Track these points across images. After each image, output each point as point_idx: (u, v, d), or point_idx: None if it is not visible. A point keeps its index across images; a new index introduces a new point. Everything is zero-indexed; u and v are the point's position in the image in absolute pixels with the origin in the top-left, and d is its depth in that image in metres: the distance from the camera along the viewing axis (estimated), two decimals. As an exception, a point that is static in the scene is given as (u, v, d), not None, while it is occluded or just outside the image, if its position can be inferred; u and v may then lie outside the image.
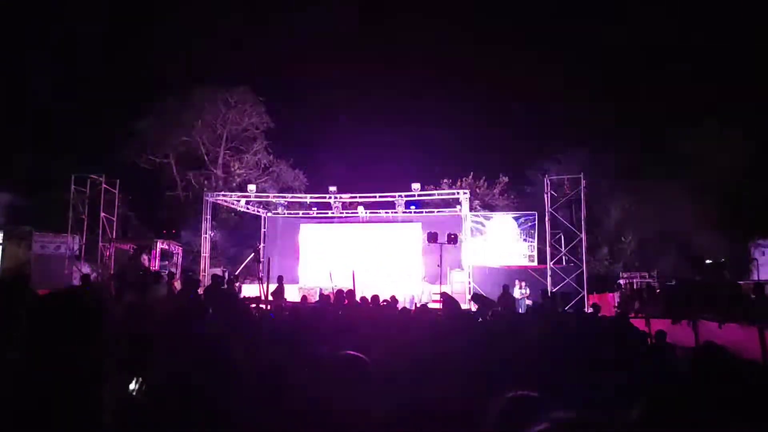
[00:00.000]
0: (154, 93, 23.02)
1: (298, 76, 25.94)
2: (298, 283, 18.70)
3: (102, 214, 16.60)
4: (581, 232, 15.30)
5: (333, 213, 19.21)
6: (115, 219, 17.10)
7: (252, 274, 18.06)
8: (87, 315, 1.76)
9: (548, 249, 15.78)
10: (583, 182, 15.48)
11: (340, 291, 12.16)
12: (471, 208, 17.21)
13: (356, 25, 25.27)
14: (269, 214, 20.06)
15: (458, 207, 17.46)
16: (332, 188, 18.39)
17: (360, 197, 18.58)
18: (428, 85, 24.89)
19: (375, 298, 9.21)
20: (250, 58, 25.85)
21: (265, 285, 15.60)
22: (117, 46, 23.27)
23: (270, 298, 14.41)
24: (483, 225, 16.98)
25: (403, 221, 19.74)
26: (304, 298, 14.10)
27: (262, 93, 24.90)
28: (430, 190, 17.86)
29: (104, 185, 16.65)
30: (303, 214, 20.19)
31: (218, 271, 17.06)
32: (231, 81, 24.69)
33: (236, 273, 17.47)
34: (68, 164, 17.46)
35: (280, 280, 15.35)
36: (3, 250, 15.73)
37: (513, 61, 23.52)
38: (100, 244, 16.65)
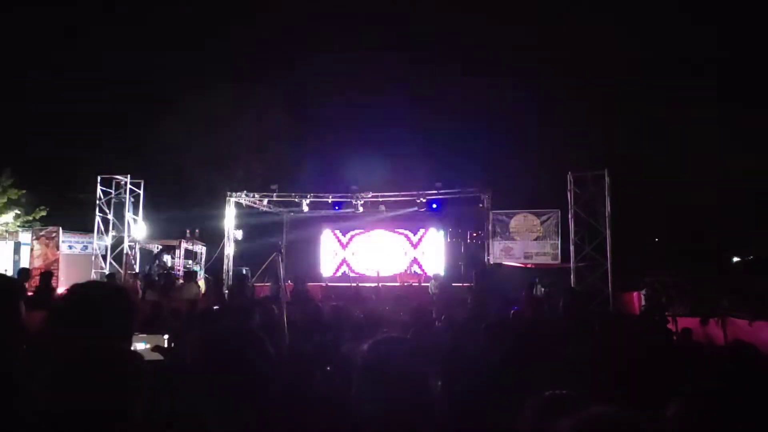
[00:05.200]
0: (178, 93, 23.26)
1: (319, 74, 26.00)
2: (320, 282, 18.76)
3: (127, 215, 16.83)
4: (605, 230, 15.09)
5: (355, 211, 19.24)
6: (140, 219, 17.32)
7: (274, 274, 18.15)
8: (120, 305, 1.79)
9: (572, 247, 15.60)
10: (607, 178, 15.27)
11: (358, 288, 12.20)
12: (493, 207, 17.09)
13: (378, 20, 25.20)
14: (292, 214, 20.15)
15: (481, 205, 17.36)
16: (354, 187, 18.41)
17: (382, 196, 18.58)
18: (451, 82, 24.78)
19: (398, 297, 9.20)
20: (271, 56, 25.99)
21: (285, 284, 15.70)
22: (140, 46, 23.56)
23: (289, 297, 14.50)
24: (506, 223, 16.86)
25: (425, 220, 19.73)
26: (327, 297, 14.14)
27: (283, 91, 25.01)
28: (453, 188, 17.75)
29: (129, 186, 16.88)
30: (325, 213, 20.27)
31: (242, 270, 17.22)
32: (252, 80, 24.85)
33: (258, 272, 17.61)
34: (94, 165, 17.73)
35: (301, 279, 15.46)
36: (32, 249, 16.06)
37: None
38: (126, 243, 16.89)
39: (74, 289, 1.98)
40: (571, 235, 15.69)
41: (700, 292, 12.59)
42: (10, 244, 16.79)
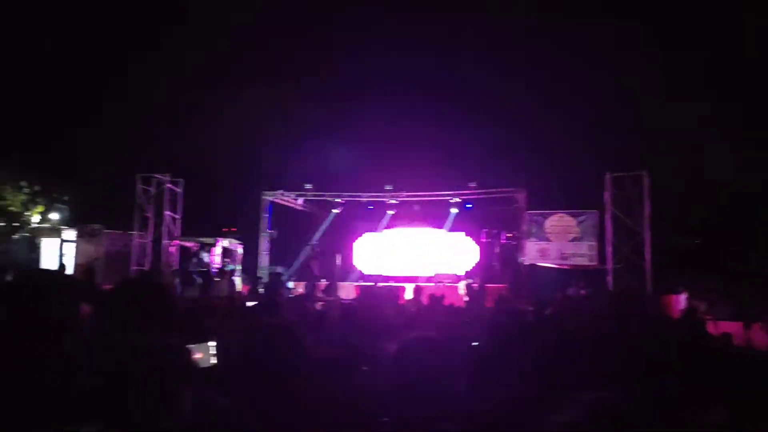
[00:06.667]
0: (215, 92, 23.64)
1: (354, 71, 26.08)
2: (353, 281, 18.85)
3: (166, 213, 17.18)
4: (645, 232, 14.82)
5: (389, 211, 19.29)
6: (179, 217, 17.66)
7: (309, 272, 18.33)
8: (162, 299, 1.85)
9: (609, 248, 15.35)
10: (646, 179, 14.98)
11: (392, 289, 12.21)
12: (528, 207, 16.92)
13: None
14: (326, 213, 20.30)
15: (516, 205, 17.21)
16: (388, 187, 18.44)
17: (416, 196, 18.57)
18: (486, 80, 24.58)
19: (432, 297, 9.18)
20: (307, 55, 26.17)
21: (320, 282, 15.87)
22: (179, 44, 23.97)
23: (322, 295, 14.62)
24: (541, 223, 16.67)
25: (459, 220, 19.63)
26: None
27: (320, 90, 25.17)
28: (487, 188, 17.63)
29: (168, 185, 17.23)
30: (359, 212, 20.37)
31: (277, 268, 17.44)
32: (289, 79, 25.09)
33: (292, 271, 17.82)
34: (135, 164, 18.15)
35: (333, 277, 15.58)
36: (76, 247, 16.56)
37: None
38: (164, 241, 17.24)
39: (119, 286, 2.05)
40: (609, 237, 15.43)
41: (744, 296, 12.25)
42: (56, 241, 17.33)
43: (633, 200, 15.26)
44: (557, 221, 16.63)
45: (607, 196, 15.43)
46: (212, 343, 2.28)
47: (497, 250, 18.82)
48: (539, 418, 1.86)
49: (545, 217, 16.77)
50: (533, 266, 16.73)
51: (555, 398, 1.66)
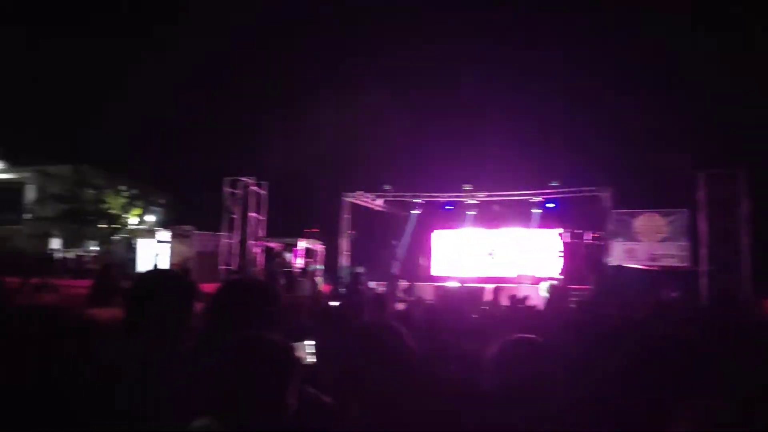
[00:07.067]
0: (296, 97, 24.33)
1: (435, 73, 26.09)
2: (431, 281, 18.84)
3: (251, 214, 17.80)
4: (741, 231, 13.96)
5: (468, 211, 19.15)
6: (264, 218, 18.26)
7: (390, 273, 18.48)
8: (269, 298, 1.96)
9: (703, 249, 14.56)
10: (742, 176, 14.12)
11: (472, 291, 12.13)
12: (614, 206, 16.32)
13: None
14: (406, 213, 20.41)
15: (601, 205, 16.64)
16: (467, 186, 18.31)
17: (496, 195, 18.33)
18: (569, 74, 23.93)
19: (513, 298, 9.07)
20: (387, 59, 26.43)
21: (400, 282, 15.99)
22: (266, 53, 24.82)
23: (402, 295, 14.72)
24: (629, 223, 16.05)
25: (541, 220, 19.21)
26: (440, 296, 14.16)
27: (398, 92, 25.36)
28: (571, 187, 17.14)
29: (253, 187, 17.85)
30: (437, 212, 20.32)
31: (357, 268, 17.71)
32: (364, 80, 25.47)
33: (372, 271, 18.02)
34: (223, 168, 18.94)
35: (415, 278, 15.61)
36: (171, 247, 17.49)
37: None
38: (248, 242, 17.86)
39: (228, 284, 2.20)
40: (703, 237, 14.64)
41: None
42: (152, 242, 18.40)
43: (728, 198, 14.41)
44: (646, 221, 15.97)
45: (700, 194, 14.64)
46: (309, 342, 2.36)
47: (581, 250, 18.27)
48: (642, 424, 1.84)
49: (633, 216, 16.14)
50: (619, 267, 16.12)
51: (657, 405, 1.64)
